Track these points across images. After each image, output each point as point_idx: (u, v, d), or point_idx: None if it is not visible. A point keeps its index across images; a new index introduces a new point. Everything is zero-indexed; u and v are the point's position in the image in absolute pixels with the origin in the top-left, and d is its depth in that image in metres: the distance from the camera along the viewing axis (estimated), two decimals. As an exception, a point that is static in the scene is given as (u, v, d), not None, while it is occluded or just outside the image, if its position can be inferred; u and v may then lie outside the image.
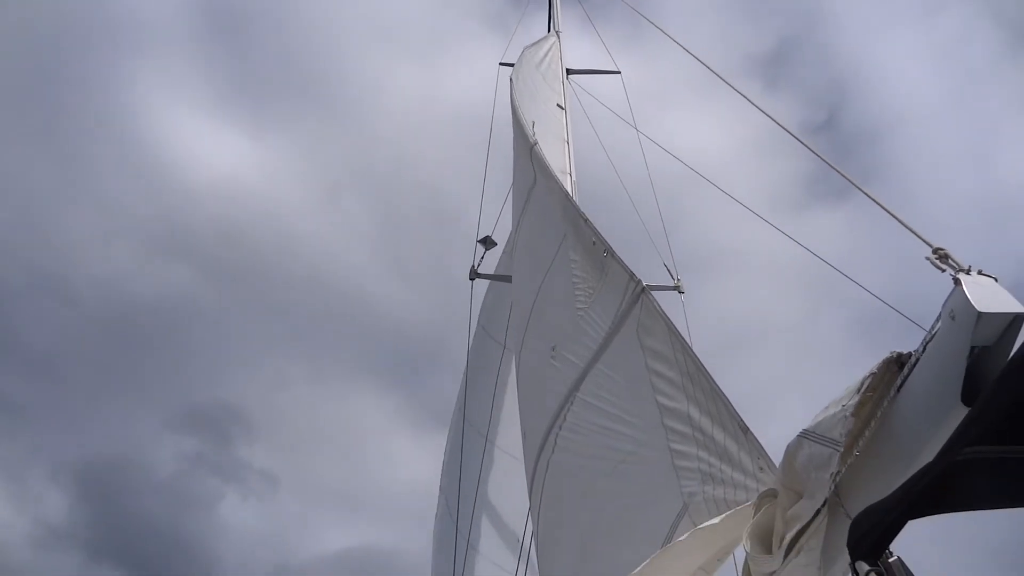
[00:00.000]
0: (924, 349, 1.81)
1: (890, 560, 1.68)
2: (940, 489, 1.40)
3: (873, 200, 2.52)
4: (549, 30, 13.03)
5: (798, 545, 2.13)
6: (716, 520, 2.58)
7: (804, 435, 2.13)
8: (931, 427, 1.76)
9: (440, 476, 11.82)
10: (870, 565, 1.43)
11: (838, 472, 2.01)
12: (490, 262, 9.46)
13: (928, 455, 1.68)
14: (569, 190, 6.87)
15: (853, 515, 2.10)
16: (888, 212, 2.39)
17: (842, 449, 1.95)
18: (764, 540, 2.28)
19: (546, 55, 10.98)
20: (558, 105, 10.07)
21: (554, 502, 4.30)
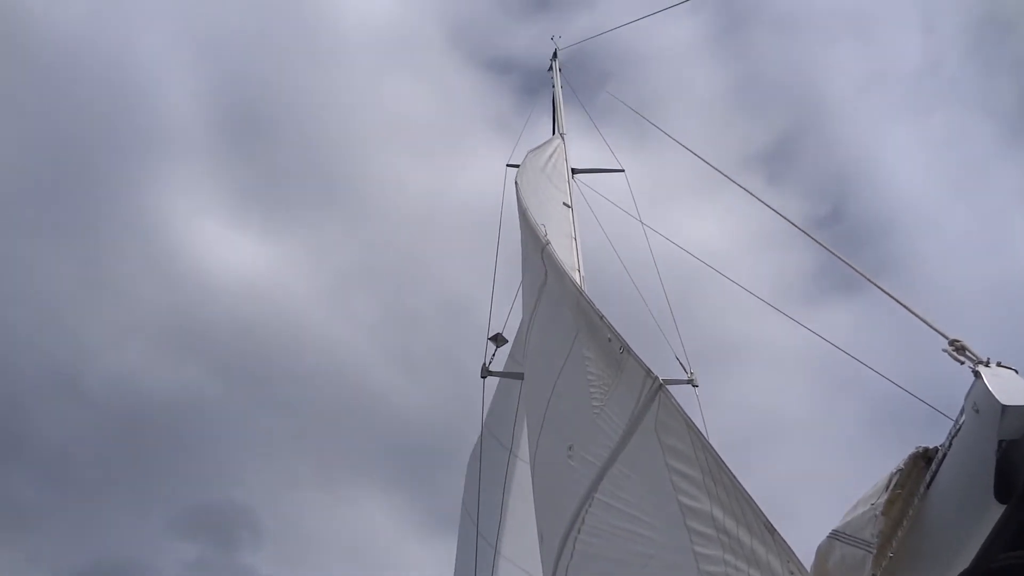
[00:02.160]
0: (951, 444, 1.79)
1: None
2: None
3: (886, 292, 2.55)
4: (554, 132, 13.57)
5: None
6: None
7: (835, 535, 2.07)
8: (966, 526, 1.71)
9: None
10: None
11: (874, 573, 1.95)
12: (501, 360, 9.45)
13: (966, 555, 1.64)
14: (580, 287, 6.96)
15: None
16: (901, 304, 2.41)
17: (875, 551, 1.89)
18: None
19: (551, 156, 11.37)
20: (564, 204, 10.34)
21: (576, 611, 4.11)
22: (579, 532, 4.02)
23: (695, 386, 7.42)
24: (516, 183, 8.85)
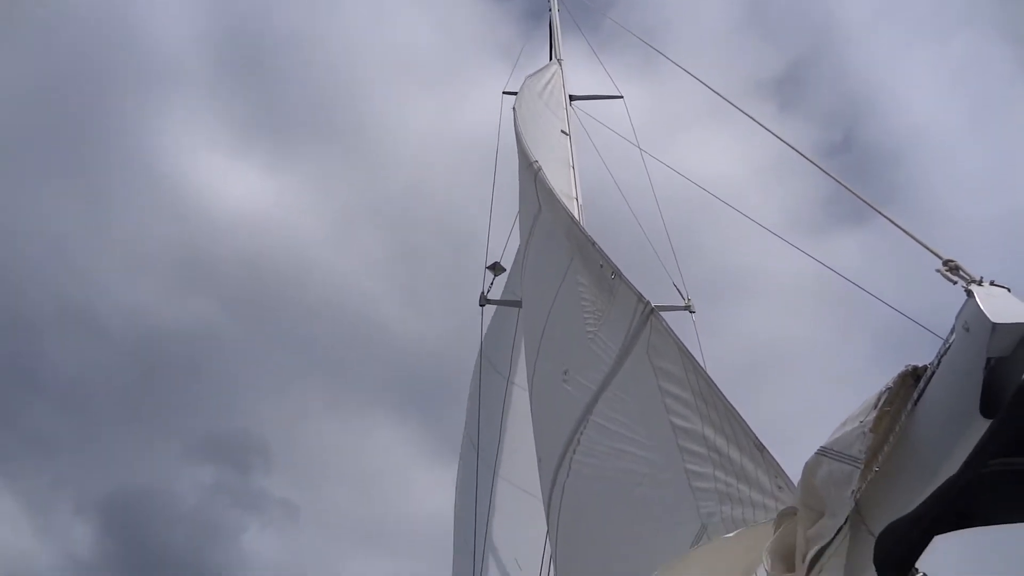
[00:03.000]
0: (939, 362, 1.80)
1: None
2: (965, 504, 1.39)
3: (883, 216, 2.53)
4: (551, 58, 13.20)
5: (820, 563, 2.10)
6: (732, 535, 2.56)
7: (822, 452, 2.11)
8: (951, 440, 1.74)
9: (453, 509, 11.75)
10: None
11: (859, 489, 1.99)
12: (500, 289, 9.48)
13: (949, 469, 1.67)
14: (575, 215, 6.91)
15: (875, 532, 2.08)
16: (898, 227, 2.39)
17: (862, 466, 1.93)
18: (786, 558, 2.25)
19: (548, 83, 11.11)
20: (562, 131, 10.16)
21: (571, 527, 4.26)
22: (575, 453, 4.12)
23: (692, 312, 7.46)
24: (514, 110, 8.68)
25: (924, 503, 1.47)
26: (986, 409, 1.67)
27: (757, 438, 2.80)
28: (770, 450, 2.83)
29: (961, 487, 1.36)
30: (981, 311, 1.63)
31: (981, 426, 1.64)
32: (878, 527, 2.06)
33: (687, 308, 7.55)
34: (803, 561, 2.16)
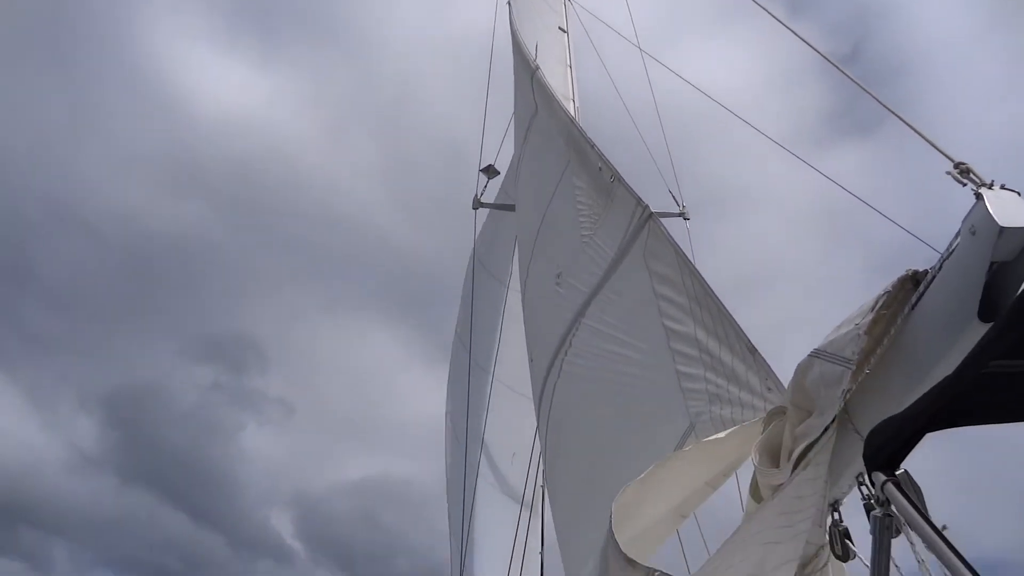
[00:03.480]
0: (941, 266, 1.79)
1: (896, 473, 1.70)
2: (962, 402, 1.40)
3: (897, 116, 2.45)
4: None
5: (806, 460, 2.16)
6: (722, 435, 2.62)
7: (815, 354, 2.13)
8: (945, 344, 1.75)
9: (445, 407, 12.05)
10: (887, 476, 1.44)
11: (849, 389, 2.02)
12: (494, 193, 9.36)
13: (941, 372, 1.68)
14: (573, 116, 6.72)
15: (862, 431, 2.13)
16: (910, 127, 2.32)
17: (854, 367, 1.95)
18: (772, 455, 2.32)
19: (546, -25, 10.57)
20: (560, 28, 9.76)
21: (561, 426, 4.37)
22: (566, 354, 4.17)
23: (686, 219, 7.42)
24: (509, 4, 8.30)
25: (917, 402, 1.49)
26: (984, 314, 1.67)
27: (749, 341, 2.83)
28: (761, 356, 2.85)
29: (961, 386, 1.37)
30: (989, 214, 1.60)
31: (978, 331, 1.65)
32: (865, 427, 2.10)
33: (682, 215, 7.50)
34: (789, 458, 2.22)
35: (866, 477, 1.51)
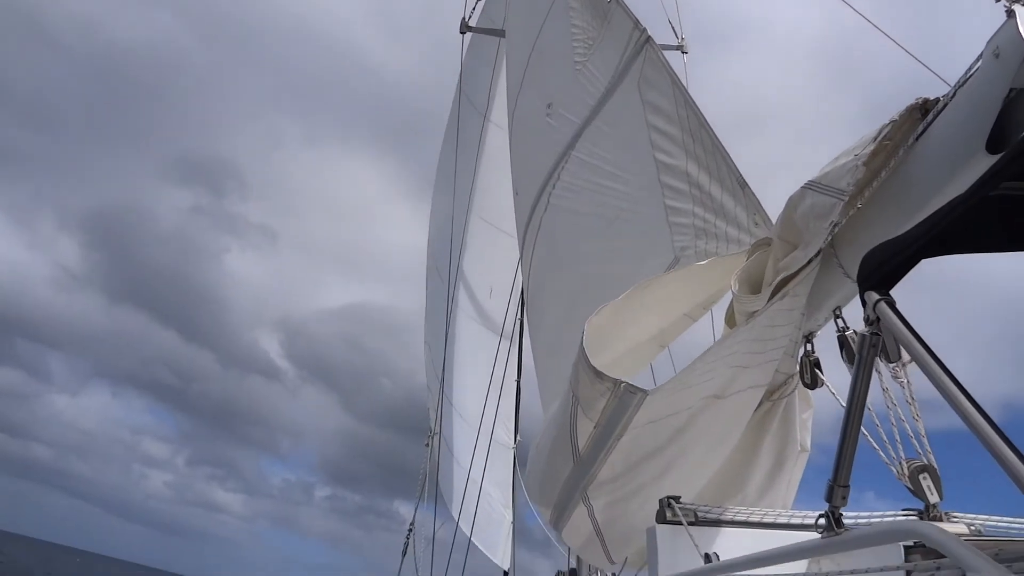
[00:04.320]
0: (955, 93, 1.70)
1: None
2: (964, 227, 1.38)
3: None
4: None
5: (784, 290, 2.18)
6: (705, 262, 2.63)
7: (809, 186, 2.08)
8: (945, 176, 1.70)
9: (428, 237, 12.08)
10: (880, 295, 1.44)
11: (838, 223, 1.99)
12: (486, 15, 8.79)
13: (936, 205, 1.64)
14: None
15: (847, 266, 2.13)
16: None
17: (846, 199, 1.91)
18: (752, 285, 2.34)
19: None
20: None
21: (544, 260, 4.38)
22: (553, 187, 4.10)
23: (684, 53, 7.07)
24: None
25: (918, 225, 1.46)
26: (993, 144, 1.61)
27: (740, 175, 2.76)
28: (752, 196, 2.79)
29: (965, 209, 1.34)
30: (1019, 33, 1.49)
31: (983, 163, 1.59)
32: (849, 261, 2.10)
33: (680, 48, 7.14)
34: (769, 286, 2.23)
35: (859, 296, 1.51)
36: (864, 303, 1.48)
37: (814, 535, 1.61)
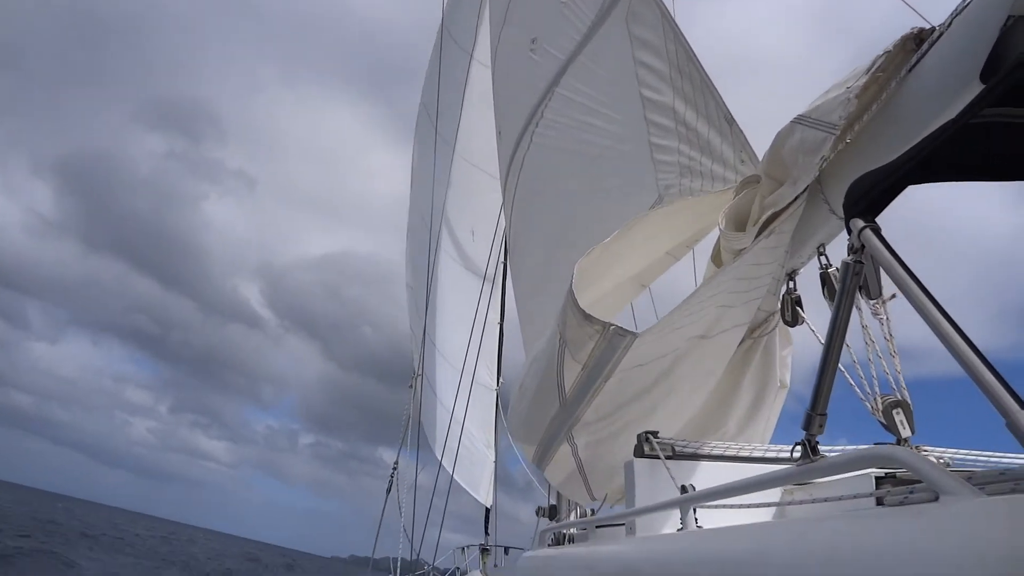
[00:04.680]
0: (951, 22, 1.65)
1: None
2: (951, 153, 1.36)
3: None
4: None
5: (770, 228, 2.17)
6: (692, 198, 2.60)
7: (798, 120, 2.04)
8: (938, 107, 1.67)
9: (410, 182, 11.91)
10: (866, 222, 1.43)
11: (827, 157, 1.97)
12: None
13: (926, 132, 1.62)
14: None
15: (833, 203, 2.11)
16: None
17: (838, 132, 1.88)
18: (739, 222, 2.32)
19: None
20: None
21: (527, 201, 4.33)
22: (537, 126, 4.01)
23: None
24: None
25: (905, 153, 1.44)
26: (987, 74, 1.58)
27: (728, 111, 2.71)
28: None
29: (951, 135, 1.32)
30: None
31: (975, 93, 1.56)
32: (836, 197, 2.08)
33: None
34: (755, 224, 2.22)
35: (844, 223, 1.50)
36: (849, 231, 1.47)
37: (790, 466, 1.63)
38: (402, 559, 9.23)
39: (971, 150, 1.37)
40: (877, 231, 1.40)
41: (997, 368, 1.08)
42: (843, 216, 1.50)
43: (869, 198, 1.44)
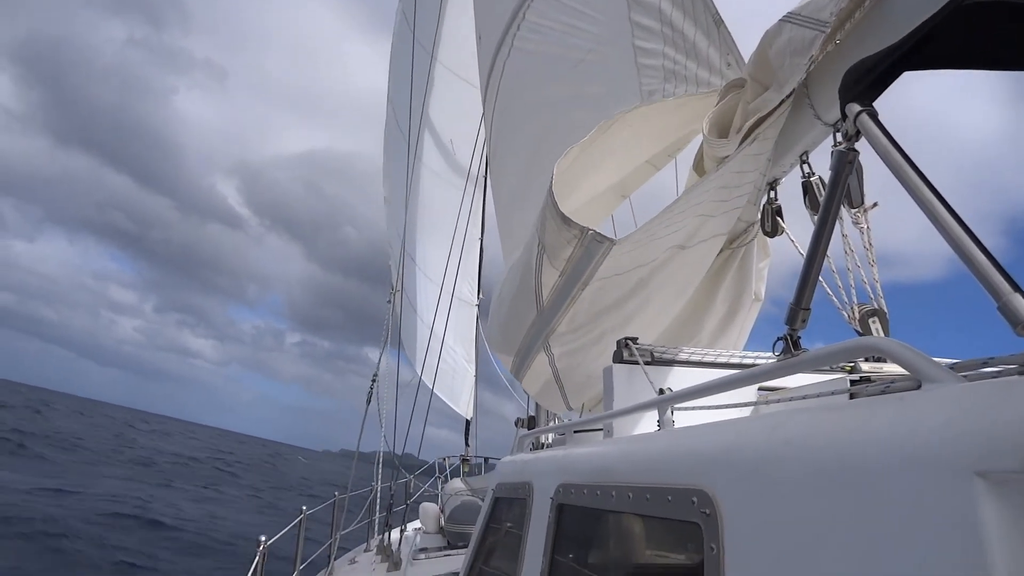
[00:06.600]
0: None
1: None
2: (944, 39, 1.31)
3: None
4: None
5: (755, 134, 2.12)
6: (674, 99, 2.53)
7: (787, 18, 1.95)
8: (933, 2, 1.60)
9: (387, 86, 11.54)
10: (862, 106, 1.38)
11: (816, 58, 1.90)
12: None
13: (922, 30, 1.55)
14: None
15: (818, 108, 2.06)
16: None
17: (828, 30, 1.80)
18: (722, 129, 2.26)
19: None
20: None
21: (507, 106, 4.21)
22: (519, 28, 3.85)
23: None
24: None
25: (900, 40, 1.38)
26: None
27: (716, 11, 2.60)
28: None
29: (943, 18, 1.26)
30: None
31: None
32: (821, 103, 2.03)
33: None
34: (738, 131, 2.16)
35: (829, 129, 1.46)
36: (845, 117, 1.42)
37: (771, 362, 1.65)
38: (384, 453, 9.54)
39: (967, 37, 1.32)
40: (874, 115, 1.36)
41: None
42: (829, 122, 1.46)
43: (865, 82, 1.40)
